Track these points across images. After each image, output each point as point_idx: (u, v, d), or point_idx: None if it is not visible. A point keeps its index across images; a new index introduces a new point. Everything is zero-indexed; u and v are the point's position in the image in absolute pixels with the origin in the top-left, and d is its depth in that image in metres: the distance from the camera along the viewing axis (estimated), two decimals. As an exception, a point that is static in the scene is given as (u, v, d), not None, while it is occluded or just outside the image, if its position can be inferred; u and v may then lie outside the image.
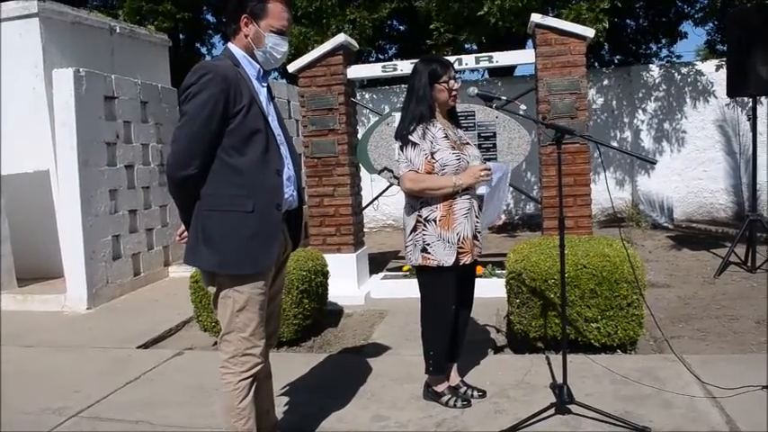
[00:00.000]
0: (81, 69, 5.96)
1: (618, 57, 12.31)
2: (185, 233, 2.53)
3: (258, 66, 2.52)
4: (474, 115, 5.61)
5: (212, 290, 2.48)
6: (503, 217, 3.35)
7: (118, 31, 7.70)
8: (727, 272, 5.89)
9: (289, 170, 2.54)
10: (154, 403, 3.52)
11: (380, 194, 6.31)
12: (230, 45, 2.51)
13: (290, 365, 3.89)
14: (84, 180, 5.85)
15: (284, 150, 2.53)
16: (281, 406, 3.26)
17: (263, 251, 2.43)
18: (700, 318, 4.66)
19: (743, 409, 2.97)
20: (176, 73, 8.55)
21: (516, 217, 10.18)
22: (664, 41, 11.99)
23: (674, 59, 11.79)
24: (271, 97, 2.60)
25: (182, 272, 6.88)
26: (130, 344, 4.67)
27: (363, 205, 6.25)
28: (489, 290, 4.76)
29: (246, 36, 2.46)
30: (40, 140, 6.54)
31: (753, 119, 5.96)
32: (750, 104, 6.60)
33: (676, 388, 3.26)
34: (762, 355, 3.82)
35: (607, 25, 7.95)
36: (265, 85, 2.56)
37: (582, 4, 7.95)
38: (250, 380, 2.47)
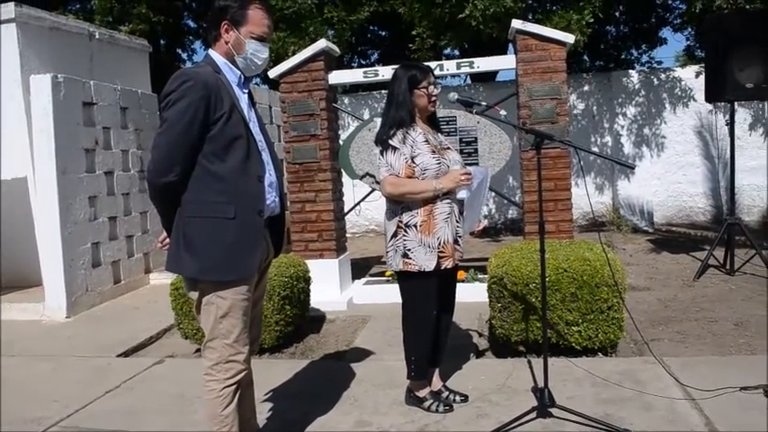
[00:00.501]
0: (59, 75, 5.90)
1: (598, 62, 12.41)
2: (167, 240, 2.52)
3: (239, 72, 2.52)
4: (455, 120, 5.63)
5: (194, 296, 2.46)
6: (483, 221, 3.37)
7: (97, 36, 7.62)
8: (706, 275, 5.97)
9: (270, 176, 2.54)
10: (134, 412, 3.48)
11: (362, 200, 6.31)
12: (211, 51, 2.51)
13: (272, 372, 3.87)
14: (62, 187, 5.78)
15: (266, 156, 2.53)
16: (263, 412, 3.25)
17: (246, 257, 2.43)
18: (679, 320, 4.71)
19: (721, 410, 3.01)
20: (156, 79, 8.48)
21: (499, 221, 10.23)
22: (644, 47, 12.12)
23: (655, 65, 11.92)
24: (252, 103, 2.60)
25: (163, 279, 6.81)
26: (110, 352, 4.62)
27: (345, 211, 6.25)
28: (471, 294, 4.78)
29: (227, 43, 2.46)
30: (17, 147, 6.45)
31: (731, 124, 6.03)
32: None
33: (656, 390, 3.29)
34: (740, 356, 3.88)
35: (587, 40, 8.05)
36: (246, 91, 2.57)
37: (572, 13, 8.00)
38: (234, 387, 2.46)
